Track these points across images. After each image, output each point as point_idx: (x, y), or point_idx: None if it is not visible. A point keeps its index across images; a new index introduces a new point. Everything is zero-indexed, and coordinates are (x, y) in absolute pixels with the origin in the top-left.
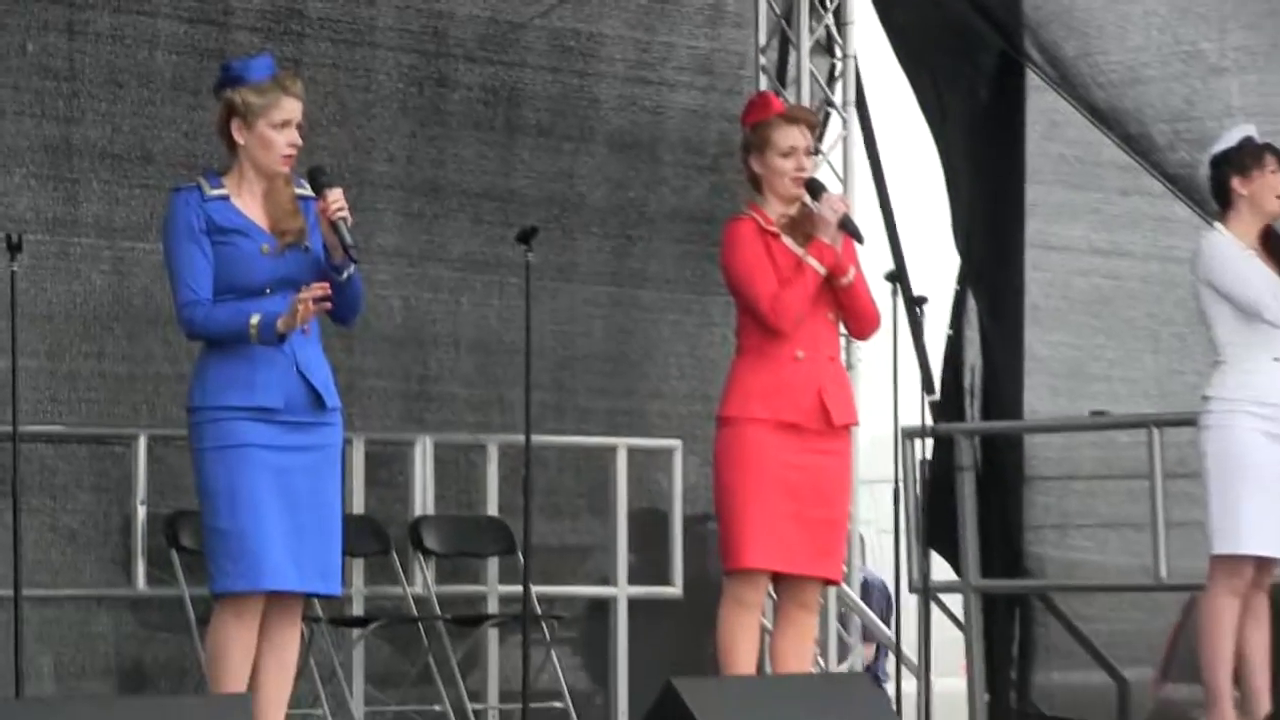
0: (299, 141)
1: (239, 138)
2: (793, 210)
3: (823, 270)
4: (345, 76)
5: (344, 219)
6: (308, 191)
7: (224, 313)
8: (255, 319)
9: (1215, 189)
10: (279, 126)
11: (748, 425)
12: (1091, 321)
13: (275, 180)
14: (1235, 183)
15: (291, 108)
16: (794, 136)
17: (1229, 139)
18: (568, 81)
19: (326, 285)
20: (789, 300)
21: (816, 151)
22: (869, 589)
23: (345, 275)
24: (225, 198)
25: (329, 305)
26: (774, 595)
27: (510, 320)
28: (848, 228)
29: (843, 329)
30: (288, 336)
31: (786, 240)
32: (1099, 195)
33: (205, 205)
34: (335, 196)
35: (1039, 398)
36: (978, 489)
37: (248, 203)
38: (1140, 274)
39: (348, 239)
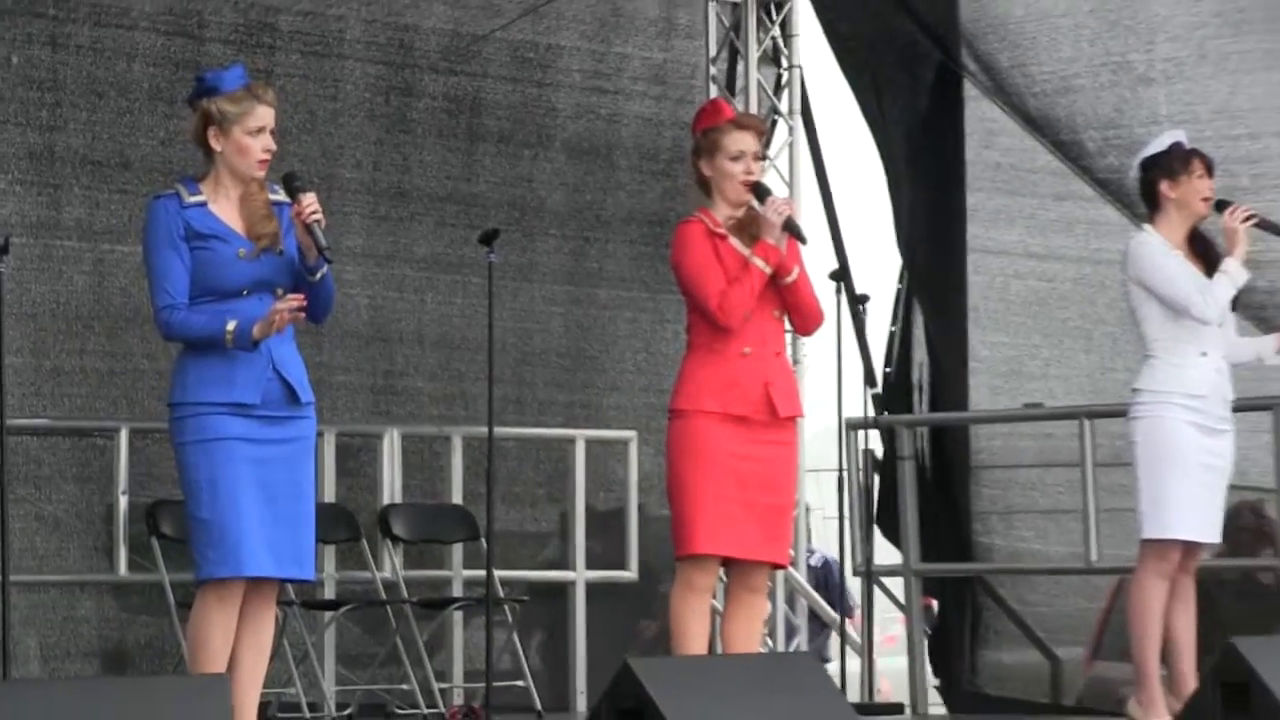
0: (273, 147)
1: (215, 145)
2: (740, 213)
3: (768, 269)
4: (315, 86)
5: (318, 222)
6: (282, 197)
7: (201, 318)
8: (231, 325)
9: (1144, 191)
10: (254, 133)
11: (698, 417)
12: (1028, 322)
13: (250, 185)
14: (1164, 186)
15: (265, 115)
16: (743, 141)
17: (1159, 144)
18: (527, 91)
19: (302, 297)
20: (736, 298)
21: (764, 157)
22: (829, 569)
23: (319, 276)
24: (203, 204)
25: (303, 315)
26: (724, 579)
27: (473, 318)
28: (791, 229)
29: (788, 325)
30: (261, 343)
31: (734, 241)
32: (1034, 201)
33: (184, 212)
34: (309, 201)
35: (981, 396)
36: (931, 480)
37: (224, 208)
38: (1073, 276)
39: (321, 241)
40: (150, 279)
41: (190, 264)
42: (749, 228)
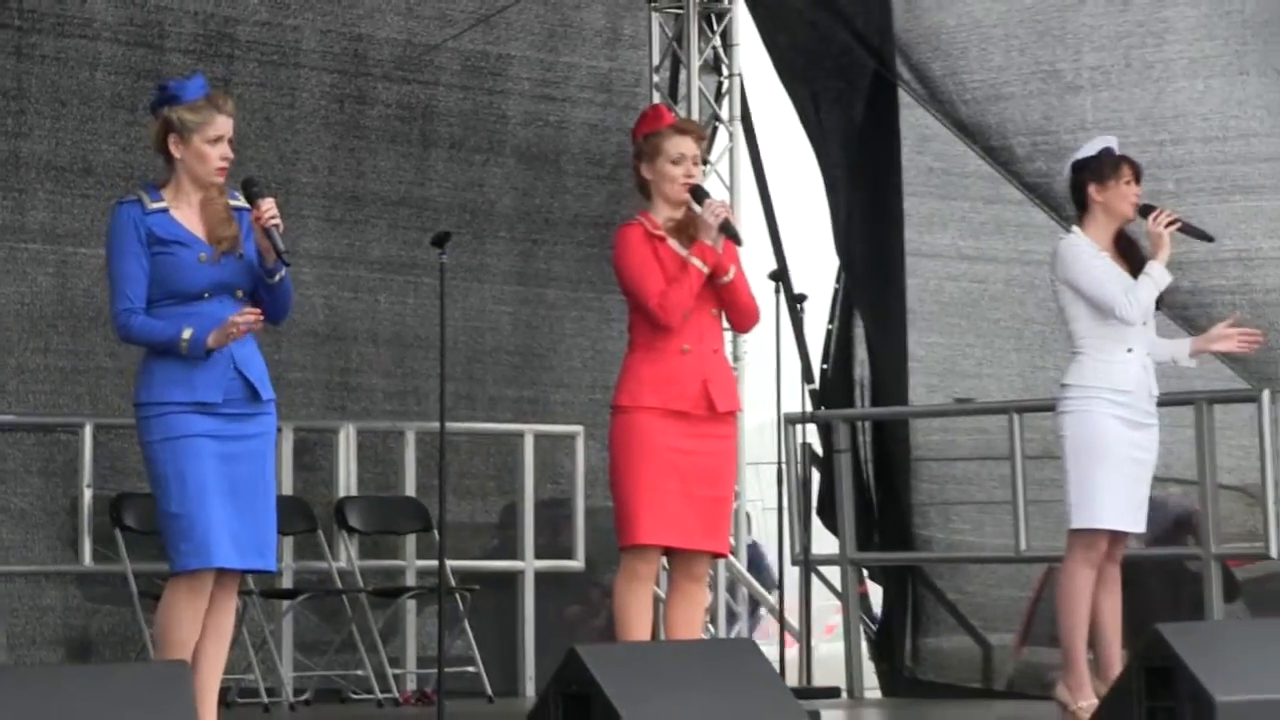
0: (231, 155)
1: (176, 152)
2: (678, 215)
3: (705, 269)
4: (272, 94)
5: (276, 226)
6: (241, 203)
7: (158, 324)
8: (187, 333)
9: (1074, 194)
10: (212, 142)
11: (639, 413)
12: (961, 323)
13: (210, 191)
14: (1092, 189)
15: (224, 125)
16: (684, 145)
17: (1091, 148)
18: (478, 99)
19: (259, 311)
20: (675, 298)
21: (706, 161)
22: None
23: (277, 278)
24: (165, 210)
25: (258, 327)
26: (666, 568)
27: (425, 317)
28: (728, 231)
29: (726, 324)
30: (215, 352)
31: (672, 243)
32: (966, 205)
33: (146, 218)
34: (268, 206)
35: (917, 394)
36: (873, 474)
37: (185, 213)
38: (1004, 277)
39: (280, 245)
40: (110, 282)
41: (151, 268)
42: (687, 229)
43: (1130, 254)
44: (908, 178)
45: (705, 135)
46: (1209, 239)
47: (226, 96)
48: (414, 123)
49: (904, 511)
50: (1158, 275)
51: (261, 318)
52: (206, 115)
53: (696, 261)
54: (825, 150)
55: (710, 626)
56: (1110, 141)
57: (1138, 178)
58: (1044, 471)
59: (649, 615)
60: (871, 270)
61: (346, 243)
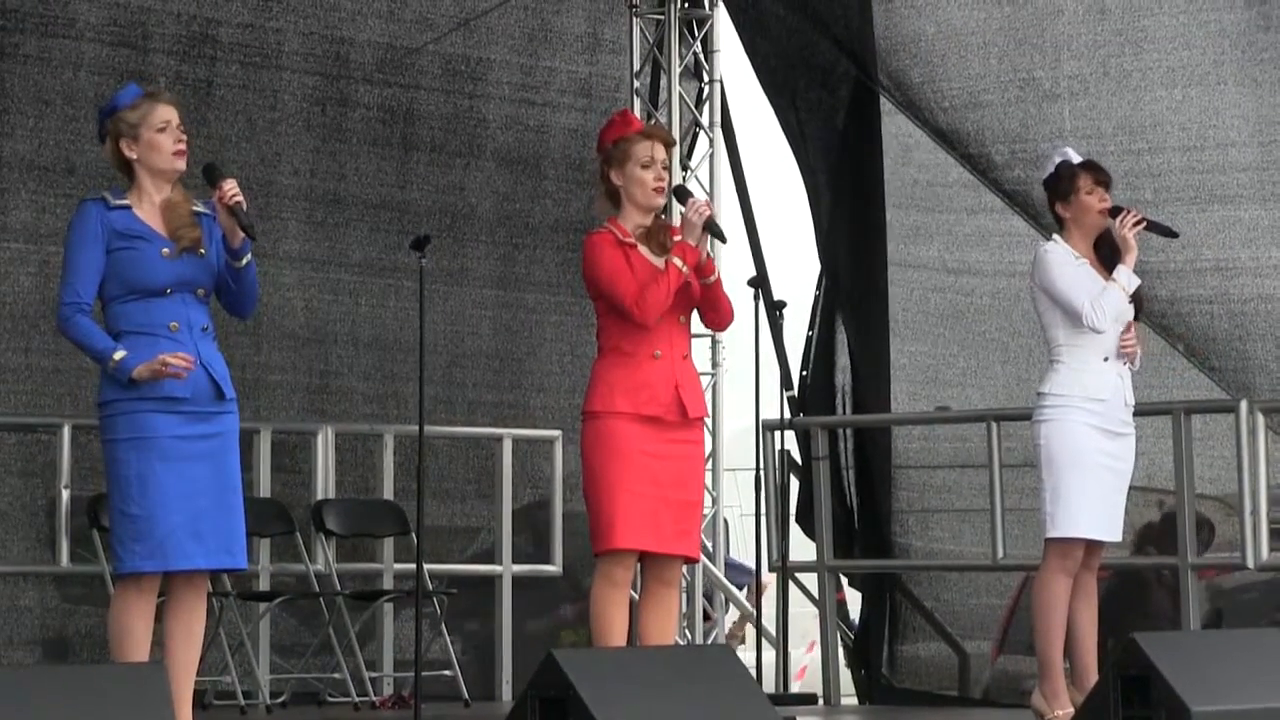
0: (183, 138)
1: (130, 153)
2: (648, 222)
3: (685, 269)
4: (254, 96)
5: (239, 204)
6: (204, 209)
7: (97, 332)
8: (119, 355)
9: (1049, 211)
10: (160, 130)
11: (611, 418)
12: (945, 333)
13: (173, 193)
14: (1058, 207)
15: (167, 112)
16: (654, 150)
17: (1049, 165)
18: (459, 102)
19: (191, 359)
20: (653, 295)
21: (684, 168)
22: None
23: (244, 261)
24: (128, 207)
25: (184, 376)
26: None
27: (405, 320)
28: (712, 229)
29: (695, 328)
30: (138, 384)
31: (643, 250)
32: (950, 217)
33: (108, 214)
34: (229, 185)
35: (900, 402)
36: (854, 482)
37: (148, 212)
38: (990, 290)
39: (245, 220)
40: (63, 273)
41: (114, 264)
42: (657, 236)
43: (1113, 259)
44: (891, 189)
45: (674, 141)
46: (1173, 235)
47: (162, 89)
48: (395, 126)
49: (883, 519)
50: (1124, 280)
51: (192, 366)
52: (146, 108)
53: (678, 261)
54: (807, 158)
55: (687, 632)
56: (1067, 153)
57: (1103, 182)
58: (1024, 480)
59: (625, 620)
60: (854, 279)
61: (327, 245)
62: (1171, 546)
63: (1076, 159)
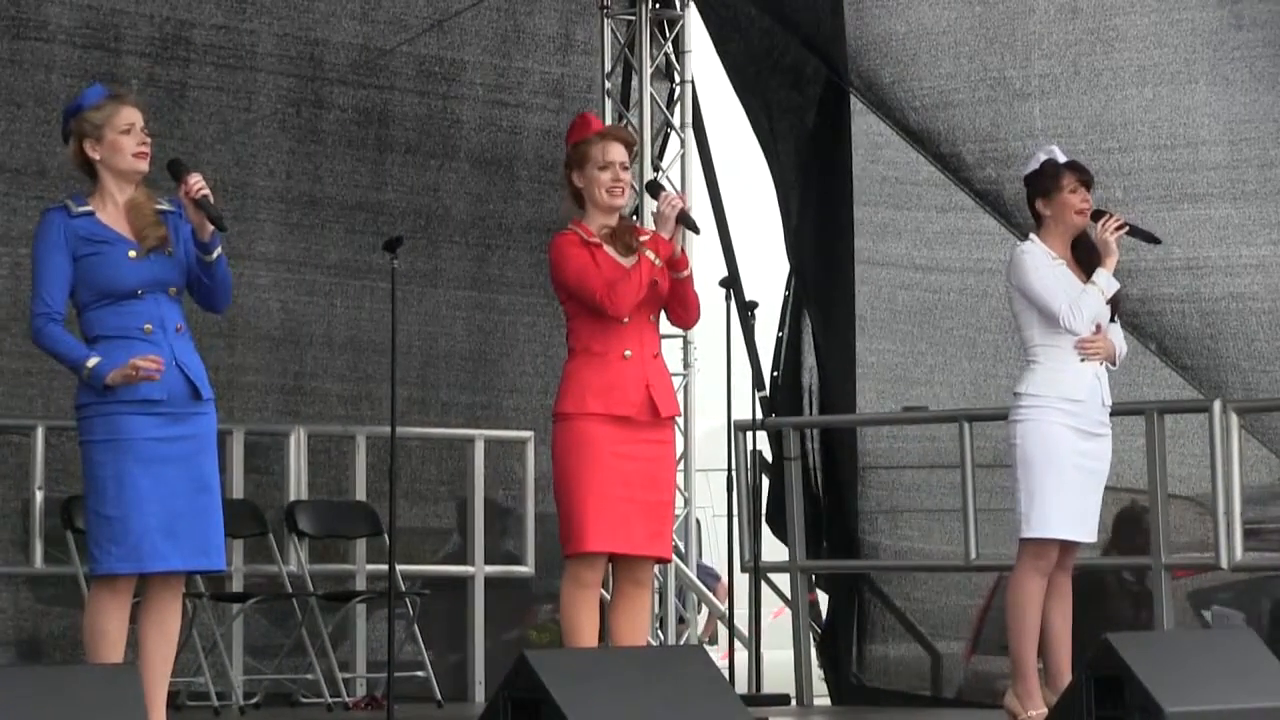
0: (147, 141)
1: (93, 154)
2: (612, 222)
3: (658, 261)
4: (228, 98)
5: (206, 197)
6: (168, 207)
7: (70, 340)
8: (92, 362)
9: (1029, 207)
10: (124, 132)
11: (582, 420)
12: (914, 330)
13: (136, 194)
14: (1039, 204)
15: (131, 114)
16: (612, 152)
17: (1034, 161)
18: (433, 104)
19: (161, 361)
20: (624, 288)
21: (656, 168)
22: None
23: (215, 255)
24: (90, 213)
25: (157, 378)
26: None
27: (380, 322)
28: (685, 221)
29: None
30: (113, 389)
31: (609, 250)
32: (920, 214)
33: (71, 222)
34: (195, 179)
35: (868, 400)
36: (821, 482)
37: (111, 215)
38: (958, 287)
39: (213, 211)
40: (33, 284)
41: (82, 271)
42: (622, 237)
43: (1090, 260)
44: (860, 186)
45: (634, 141)
46: (1156, 241)
47: (128, 90)
48: (370, 127)
49: (849, 517)
50: (1104, 283)
51: (162, 367)
52: (111, 109)
53: (650, 253)
54: (777, 156)
55: (659, 632)
56: (1052, 151)
57: (1085, 183)
58: (993, 478)
59: (596, 622)
60: (821, 277)
61: (303, 246)
62: (1127, 546)
63: (1062, 158)
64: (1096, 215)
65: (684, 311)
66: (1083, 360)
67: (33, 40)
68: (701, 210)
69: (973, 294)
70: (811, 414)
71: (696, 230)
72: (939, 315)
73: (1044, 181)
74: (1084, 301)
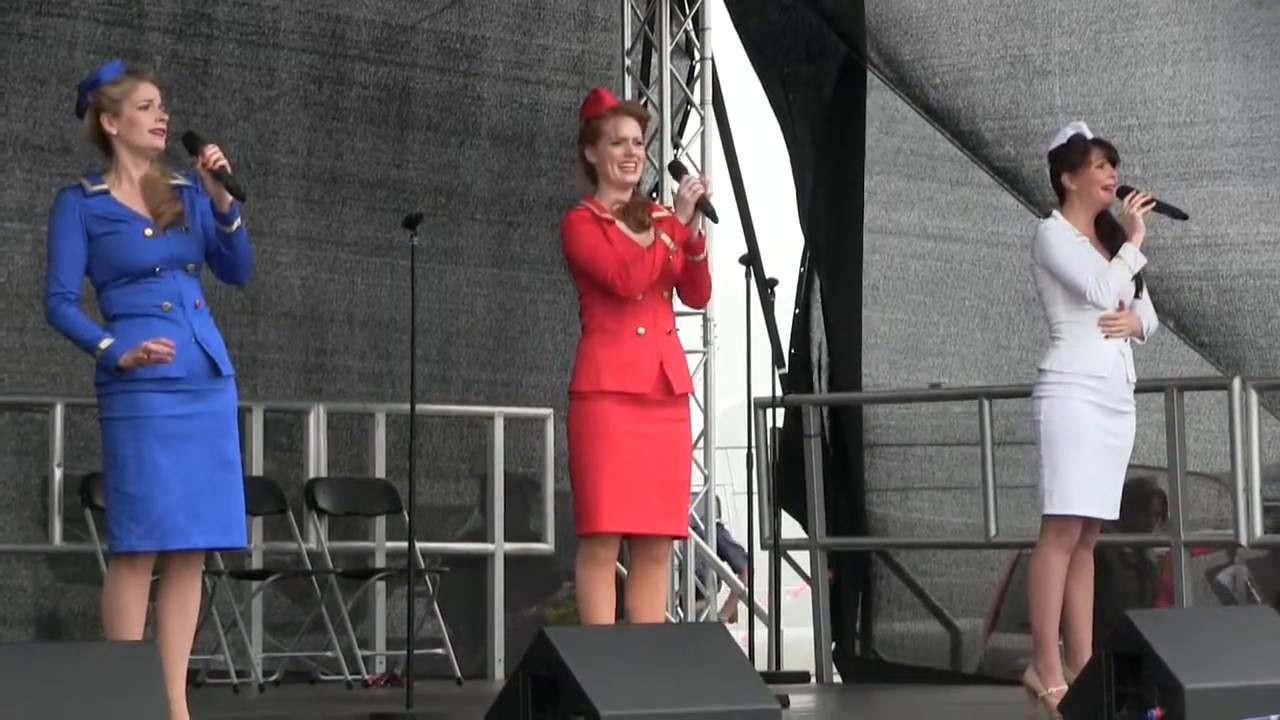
0: (164, 118)
1: (110, 128)
2: (625, 197)
3: (673, 245)
4: (251, 75)
5: (224, 168)
6: (183, 180)
7: (84, 321)
8: (105, 344)
9: (1052, 182)
10: (143, 108)
11: (599, 398)
12: (926, 300)
13: (151, 170)
14: (1065, 178)
15: (149, 90)
16: (625, 127)
17: (1062, 136)
18: (454, 80)
19: (172, 344)
20: (638, 270)
21: (676, 145)
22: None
23: (234, 226)
24: (105, 191)
25: (170, 360)
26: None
27: (401, 299)
28: (704, 208)
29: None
30: (125, 370)
31: (621, 226)
32: (933, 185)
33: (86, 201)
34: (212, 150)
35: (879, 371)
36: (828, 455)
37: (126, 193)
38: (970, 258)
39: (231, 181)
40: (48, 264)
41: (99, 250)
42: (635, 213)
43: (1113, 237)
44: (874, 157)
45: (648, 117)
46: (1183, 216)
47: (146, 67)
48: (391, 104)
49: (857, 491)
50: (1130, 258)
51: (174, 350)
52: (129, 84)
53: (665, 236)
54: (793, 130)
55: (679, 609)
56: (1080, 127)
57: (1112, 160)
58: (1007, 453)
59: (613, 599)
60: (832, 247)
61: (324, 224)
62: (1134, 522)
63: (1090, 134)
64: (1122, 192)
65: (695, 292)
66: (1107, 337)
67: (56, 17)
68: (721, 187)
69: (986, 265)
70: (820, 389)
71: (715, 218)
72: (951, 285)
73: (1071, 156)
74: (1111, 276)
